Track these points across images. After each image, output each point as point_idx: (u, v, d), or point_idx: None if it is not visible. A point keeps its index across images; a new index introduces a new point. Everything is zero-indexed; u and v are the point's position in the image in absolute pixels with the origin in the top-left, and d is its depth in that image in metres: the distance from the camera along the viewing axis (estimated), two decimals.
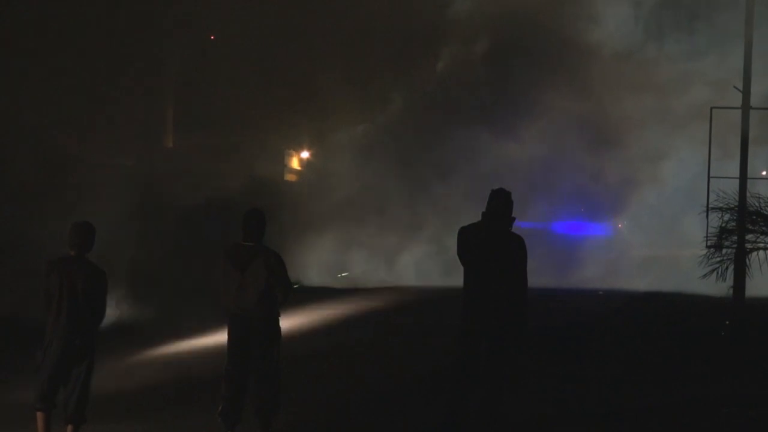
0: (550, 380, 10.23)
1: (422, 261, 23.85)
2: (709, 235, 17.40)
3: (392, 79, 24.29)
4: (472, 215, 8.29)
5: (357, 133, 24.07)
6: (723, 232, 17.07)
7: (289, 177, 25.36)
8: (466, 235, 7.97)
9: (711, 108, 18.51)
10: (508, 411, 7.87)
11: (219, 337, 12.02)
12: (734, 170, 16.57)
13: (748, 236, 16.63)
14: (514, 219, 7.98)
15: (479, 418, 7.78)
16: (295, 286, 8.42)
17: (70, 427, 7.40)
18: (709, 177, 18.03)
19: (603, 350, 13.12)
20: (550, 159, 24.55)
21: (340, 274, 23.56)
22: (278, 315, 7.92)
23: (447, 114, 24.64)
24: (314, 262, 21.67)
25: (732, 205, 16.90)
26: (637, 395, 9.99)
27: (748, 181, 16.80)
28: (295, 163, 26.02)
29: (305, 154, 25.88)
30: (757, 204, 16.84)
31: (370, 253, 23.71)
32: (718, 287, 17.09)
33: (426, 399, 9.74)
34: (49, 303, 7.43)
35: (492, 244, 7.79)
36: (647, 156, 25.10)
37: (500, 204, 7.89)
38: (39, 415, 7.35)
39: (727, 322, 15.83)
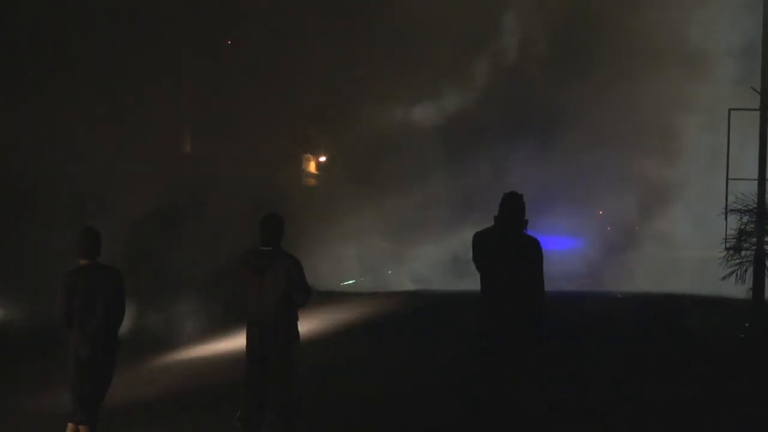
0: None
1: (440, 264, 23.72)
2: (728, 237, 17.30)
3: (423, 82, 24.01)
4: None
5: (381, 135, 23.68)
6: (742, 234, 16.96)
7: (308, 181, 25.37)
8: (480, 240, 7.88)
9: (729, 110, 18.40)
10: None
11: (235, 343, 12.14)
12: None
13: (767, 238, 16.57)
14: (527, 221, 7.88)
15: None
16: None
17: (85, 428, 7.43)
18: (727, 179, 17.97)
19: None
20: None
21: (344, 282, 23.44)
22: (297, 319, 7.89)
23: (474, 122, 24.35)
24: (331, 266, 21.61)
25: (751, 207, 16.82)
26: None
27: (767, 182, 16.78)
28: (312, 168, 26.08)
29: (323, 159, 25.90)
30: None
31: (388, 257, 23.65)
32: (738, 289, 16.94)
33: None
34: (70, 316, 7.44)
35: (506, 247, 7.73)
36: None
37: (512, 207, 7.81)
38: (82, 428, 7.43)
39: (747, 324, 15.73)
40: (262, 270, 7.72)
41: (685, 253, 24.40)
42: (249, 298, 7.80)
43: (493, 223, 7.88)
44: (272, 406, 7.73)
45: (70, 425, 7.49)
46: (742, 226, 16.95)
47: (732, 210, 17.23)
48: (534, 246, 7.77)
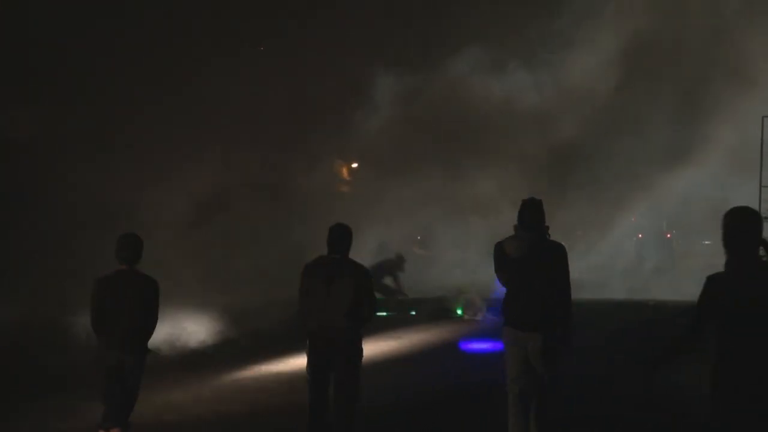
0: None
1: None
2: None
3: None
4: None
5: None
6: None
7: (341, 187, 25.28)
8: (502, 250, 7.75)
9: (762, 117, 18.33)
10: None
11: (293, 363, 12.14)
12: None
13: None
14: (548, 227, 7.78)
15: None
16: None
17: (117, 431, 7.54)
18: (761, 186, 17.90)
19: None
20: None
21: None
22: (361, 333, 7.59)
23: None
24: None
25: None
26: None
27: None
28: (345, 173, 25.97)
29: (355, 165, 25.82)
30: None
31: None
32: None
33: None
34: (101, 321, 7.52)
35: (529, 255, 7.62)
36: None
37: (533, 214, 7.71)
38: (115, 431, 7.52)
39: None
40: (330, 279, 7.45)
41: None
42: (313, 309, 7.51)
43: (513, 232, 7.79)
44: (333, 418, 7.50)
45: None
46: None
47: (766, 217, 17.11)
48: (558, 251, 7.69)
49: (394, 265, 20.06)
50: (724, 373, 5.15)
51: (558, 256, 7.66)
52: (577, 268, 14.66)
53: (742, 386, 5.07)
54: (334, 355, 7.41)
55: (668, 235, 26.04)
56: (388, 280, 20.11)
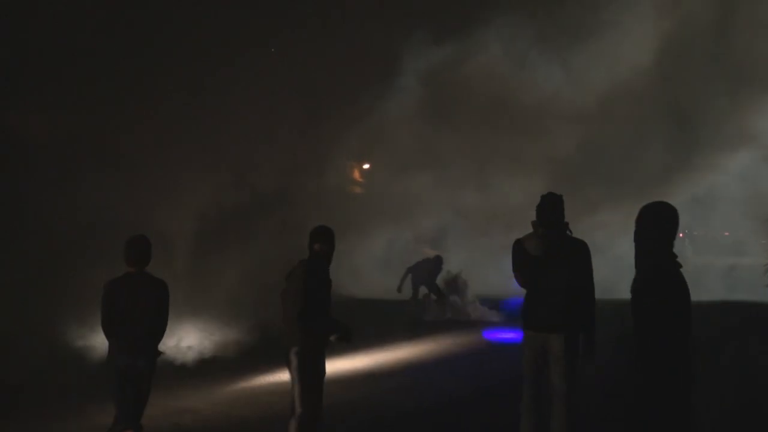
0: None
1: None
2: None
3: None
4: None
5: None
6: None
7: (352, 189, 25.18)
8: (521, 248, 7.45)
9: None
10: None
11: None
12: None
13: None
14: (567, 224, 7.46)
15: None
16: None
17: None
18: None
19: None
20: None
21: None
22: (303, 343, 6.96)
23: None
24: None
25: None
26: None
27: None
28: (356, 175, 25.89)
29: (366, 166, 25.74)
30: None
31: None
32: None
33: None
34: (111, 324, 7.47)
35: (549, 253, 7.32)
36: None
37: (552, 209, 7.41)
38: None
39: None
40: (287, 277, 7.15)
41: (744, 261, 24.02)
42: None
43: (532, 229, 7.50)
44: None
45: None
46: None
47: None
48: (580, 248, 7.36)
49: (432, 266, 20.08)
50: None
51: (579, 254, 7.33)
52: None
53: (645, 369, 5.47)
54: (286, 359, 7.08)
55: (680, 235, 25.81)
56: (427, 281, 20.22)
